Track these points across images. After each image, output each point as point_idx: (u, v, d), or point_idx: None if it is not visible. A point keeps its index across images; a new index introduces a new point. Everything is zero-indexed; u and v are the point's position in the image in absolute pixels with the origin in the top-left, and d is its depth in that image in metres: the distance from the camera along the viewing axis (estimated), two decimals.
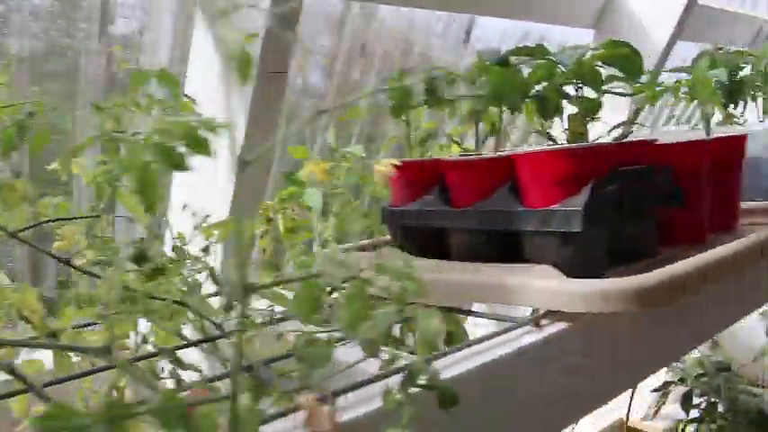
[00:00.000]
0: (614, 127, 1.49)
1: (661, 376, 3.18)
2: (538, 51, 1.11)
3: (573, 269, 1.08)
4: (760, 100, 1.96)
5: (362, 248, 1.50)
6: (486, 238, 1.23)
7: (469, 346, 0.93)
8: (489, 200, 1.21)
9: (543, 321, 1.00)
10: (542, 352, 0.96)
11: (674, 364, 3.17)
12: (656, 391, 3.04)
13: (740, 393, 2.95)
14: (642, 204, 1.20)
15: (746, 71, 1.92)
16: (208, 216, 1.22)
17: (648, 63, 2.22)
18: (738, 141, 1.44)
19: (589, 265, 1.09)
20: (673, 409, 3.27)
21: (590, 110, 1.35)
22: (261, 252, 1.84)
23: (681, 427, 3.06)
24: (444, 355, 0.90)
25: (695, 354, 3.10)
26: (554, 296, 0.98)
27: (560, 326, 0.99)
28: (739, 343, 3.04)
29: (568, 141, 1.39)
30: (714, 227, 1.42)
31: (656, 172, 1.20)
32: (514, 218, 1.15)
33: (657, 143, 1.30)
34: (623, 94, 1.29)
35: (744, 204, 1.68)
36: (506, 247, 1.18)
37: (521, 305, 1.04)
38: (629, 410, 3.10)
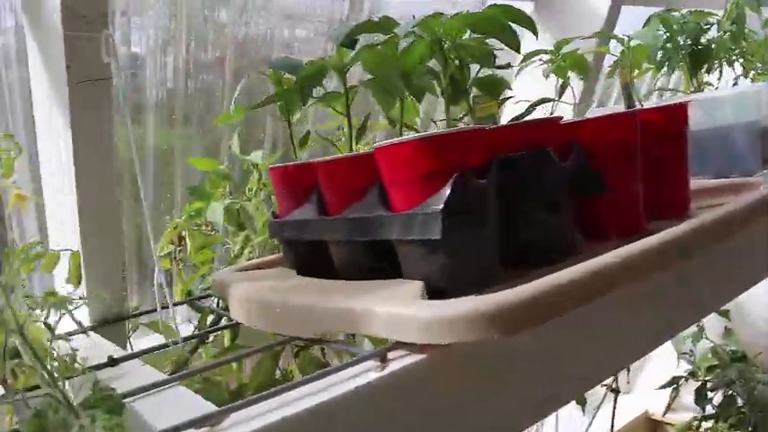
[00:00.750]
0: (531, 106, 1.28)
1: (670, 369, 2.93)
2: (385, 25, 0.90)
3: (442, 285, 0.89)
4: (737, 64, 1.72)
5: (258, 266, 1.32)
6: (360, 251, 1.04)
7: (302, 384, 0.76)
8: (356, 205, 1.02)
9: (391, 354, 0.81)
10: (386, 392, 0.77)
11: (683, 354, 2.92)
12: (663, 387, 2.79)
13: (758, 383, 2.69)
14: (542, 195, 0.99)
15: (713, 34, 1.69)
16: None
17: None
18: (678, 111, 1.22)
19: (462, 278, 0.89)
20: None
21: (490, 89, 1.15)
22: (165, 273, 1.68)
23: (696, 424, 2.80)
24: (270, 395, 0.72)
25: (707, 344, 2.85)
26: (393, 325, 0.79)
27: (412, 359, 0.80)
28: (754, 329, 2.77)
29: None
30: (660, 212, 1.21)
31: (556, 154, 0.99)
32: (378, 225, 0.96)
33: (564, 121, 1.09)
34: (502, 67, 1.08)
35: (708, 182, 1.46)
36: (381, 259, 0.99)
37: (367, 335, 0.85)
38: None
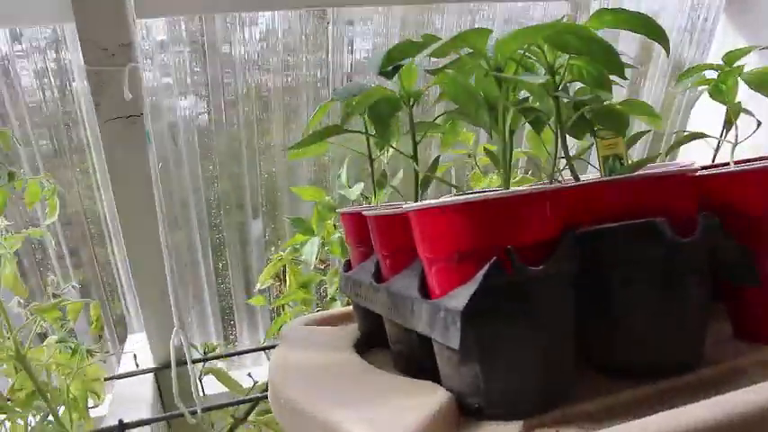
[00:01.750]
0: (675, 145, 0.95)
1: None
2: (429, 45, 0.66)
3: (475, 403, 0.65)
4: None
5: (327, 320, 1.14)
6: (403, 336, 0.82)
7: None
8: (404, 272, 0.80)
9: None
10: None
11: None
12: None
13: None
14: (646, 285, 0.70)
15: None
16: None
17: None
18: None
19: (506, 397, 0.64)
20: None
21: (610, 123, 0.86)
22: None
23: None
24: None
25: None
26: None
27: None
28: None
29: (602, 172, 0.90)
30: None
31: (682, 224, 0.69)
32: (410, 309, 0.73)
33: (707, 172, 0.77)
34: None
35: None
36: (426, 354, 0.76)
37: None
38: None
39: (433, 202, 0.66)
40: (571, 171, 0.81)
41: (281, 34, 1.62)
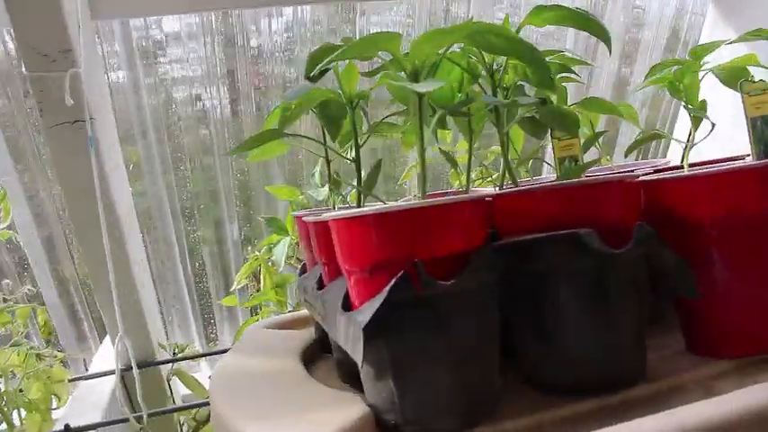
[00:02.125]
0: (634, 145, 0.91)
1: None
2: (360, 47, 0.63)
3: (391, 420, 0.63)
4: None
5: (287, 324, 1.13)
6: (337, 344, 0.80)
7: None
8: (329, 285, 0.79)
9: None
10: None
11: None
12: None
13: None
14: (571, 299, 0.67)
15: None
16: None
17: None
18: None
19: (422, 413, 0.62)
20: None
21: (559, 124, 0.82)
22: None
23: None
24: None
25: None
26: None
27: None
28: None
29: (557, 174, 0.87)
30: None
31: (618, 233, 0.65)
32: (334, 319, 0.71)
33: (650, 177, 0.73)
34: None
35: None
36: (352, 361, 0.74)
37: None
38: None
39: (345, 212, 0.64)
40: (510, 176, 0.77)
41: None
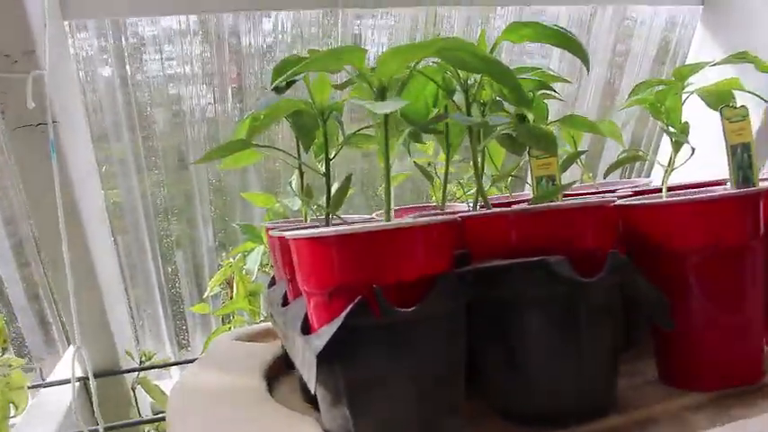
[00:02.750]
0: (613, 167, 0.88)
1: None
2: (328, 59, 0.60)
3: None
4: None
5: (253, 337, 1.10)
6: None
7: None
8: (292, 303, 0.76)
9: None
10: None
11: None
12: None
13: None
14: (539, 330, 0.64)
15: None
16: None
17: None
18: None
19: None
20: None
21: (536, 143, 0.80)
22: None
23: None
24: None
25: None
26: None
27: None
28: None
29: (535, 193, 0.84)
30: None
31: (593, 260, 0.63)
32: (292, 340, 0.68)
33: (628, 202, 0.71)
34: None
35: None
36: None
37: None
38: None
39: (305, 231, 0.61)
40: (482, 198, 0.75)
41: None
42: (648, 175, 1.78)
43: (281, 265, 0.81)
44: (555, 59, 1.79)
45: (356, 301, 0.56)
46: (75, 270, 0.96)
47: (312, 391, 0.57)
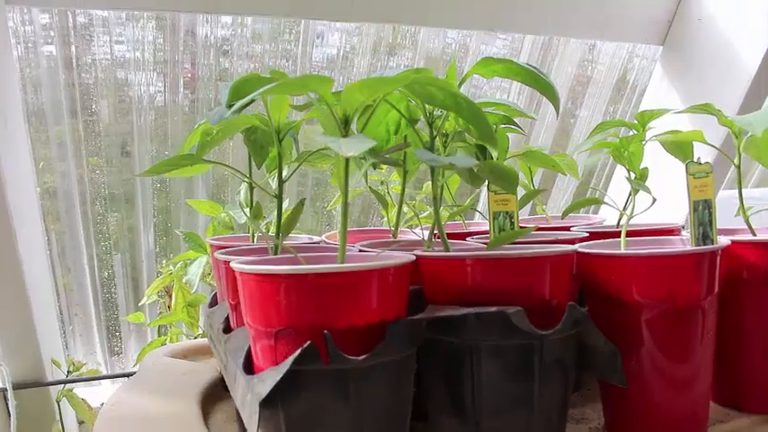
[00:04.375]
0: (569, 210, 0.87)
1: None
2: (293, 84, 0.56)
3: None
4: None
5: (187, 353, 1.05)
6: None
7: None
8: (234, 333, 0.72)
9: None
10: None
11: None
12: None
13: None
14: (492, 385, 0.62)
15: None
16: None
17: (734, 91, 1.44)
18: None
19: None
20: None
21: (495, 179, 0.78)
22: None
23: None
24: None
25: None
26: None
27: None
28: None
29: (491, 229, 0.82)
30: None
31: (548, 311, 0.61)
32: (233, 376, 0.65)
33: (592, 250, 0.69)
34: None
35: None
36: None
37: None
38: None
39: (254, 266, 0.57)
40: (440, 235, 0.72)
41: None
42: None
43: (226, 290, 0.77)
44: (514, 92, 1.79)
45: (305, 346, 0.52)
46: (1, 277, 0.89)
47: None
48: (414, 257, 0.61)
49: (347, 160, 0.57)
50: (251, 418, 0.54)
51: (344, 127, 0.58)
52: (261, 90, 0.54)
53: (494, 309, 0.59)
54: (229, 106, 0.69)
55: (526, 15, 1.51)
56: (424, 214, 1.26)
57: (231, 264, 0.60)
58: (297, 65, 1.60)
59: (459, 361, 0.63)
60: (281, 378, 0.52)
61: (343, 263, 0.60)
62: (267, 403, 0.53)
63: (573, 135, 1.98)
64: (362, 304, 0.56)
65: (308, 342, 0.53)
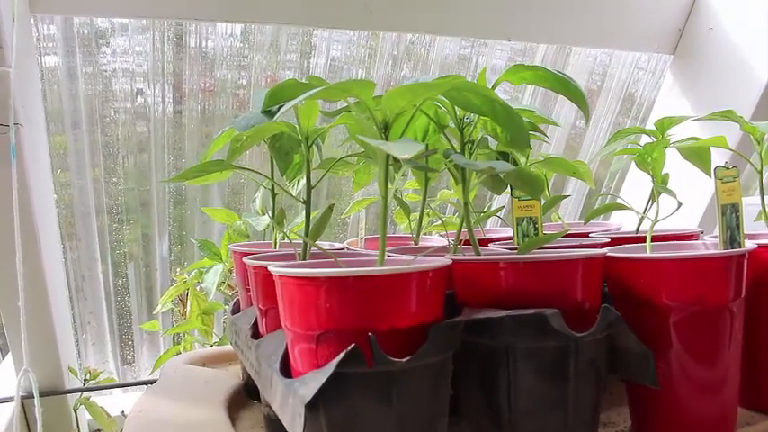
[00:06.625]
0: (592, 215, 0.88)
1: None
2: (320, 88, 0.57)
3: None
4: None
5: (206, 361, 1.05)
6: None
7: None
8: (266, 338, 0.73)
9: None
10: None
11: None
12: None
13: None
14: (529, 384, 0.63)
15: None
16: None
17: (746, 100, 1.46)
18: None
19: None
20: None
21: (521, 185, 0.78)
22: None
23: None
24: None
25: None
26: None
27: None
28: None
29: (515, 235, 0.83)
30: None
31: (579, 314, 0.61)
32: (269, 380, 0.65)
33: (619, 254, 0.70)
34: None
35: None
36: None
37: None
38: None
39: (295, 269, 0.58)
40: (472, 241, 0.73)
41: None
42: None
43: (258, 295, 0.77)
44: (527, 96, 1.80)
45: (349, 347, 0.53)
46: (27, 284, 0.89)
47: None
48: (450, 261, 0.62)
49: (387, 164, 0.58)
50: (294, 420, 0.55)
51: (384, 131, 0.59)
52: (305, 95, 0.54)
53: (531, 311, 0.60)
54: (265, 112, 0.69)
55: (540, 25, 1.53)
56: (439, 221, 1.27)
57: (270, 267, 0.61)
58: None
59: (495, 363, 0.63)
60: (327, 380, 0.52)
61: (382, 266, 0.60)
62: (311, 406, 0.53)
63: (573, 145, 1.99)
64: (404, 307, 0.56)
65: (353, 344, 0.53)
